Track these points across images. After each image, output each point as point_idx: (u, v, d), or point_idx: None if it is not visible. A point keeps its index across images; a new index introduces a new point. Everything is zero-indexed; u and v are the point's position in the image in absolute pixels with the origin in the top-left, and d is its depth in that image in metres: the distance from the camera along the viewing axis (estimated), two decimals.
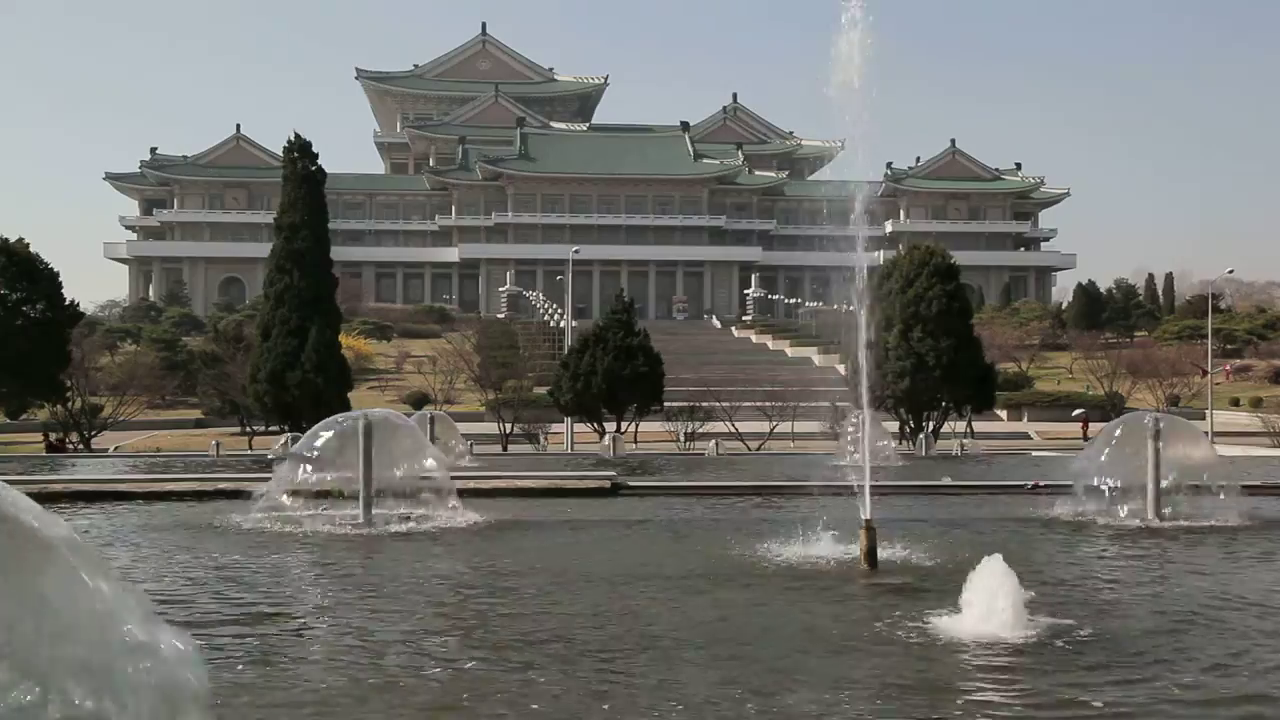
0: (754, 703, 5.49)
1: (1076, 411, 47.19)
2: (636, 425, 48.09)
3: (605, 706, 5.48)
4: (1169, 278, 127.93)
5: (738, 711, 5.37)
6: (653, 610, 7.96)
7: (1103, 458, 14.21)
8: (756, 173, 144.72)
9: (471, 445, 28.37)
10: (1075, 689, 5.78)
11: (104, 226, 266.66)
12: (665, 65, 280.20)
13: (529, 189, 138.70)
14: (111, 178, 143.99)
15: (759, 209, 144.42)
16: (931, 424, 44.85)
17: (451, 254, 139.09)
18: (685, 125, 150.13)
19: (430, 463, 14.37)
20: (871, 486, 10.03)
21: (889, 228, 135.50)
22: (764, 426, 52.89)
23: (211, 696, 5.48)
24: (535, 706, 5.49)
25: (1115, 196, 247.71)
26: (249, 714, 5.44)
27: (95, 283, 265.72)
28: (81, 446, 46.93)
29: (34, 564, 2.48)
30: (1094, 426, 58.47)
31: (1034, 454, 35.95)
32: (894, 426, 42.22)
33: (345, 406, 37.25)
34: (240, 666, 6.38)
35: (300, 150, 44.41)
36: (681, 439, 50.28)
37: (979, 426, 55.06)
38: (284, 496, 13.59)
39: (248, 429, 54.12)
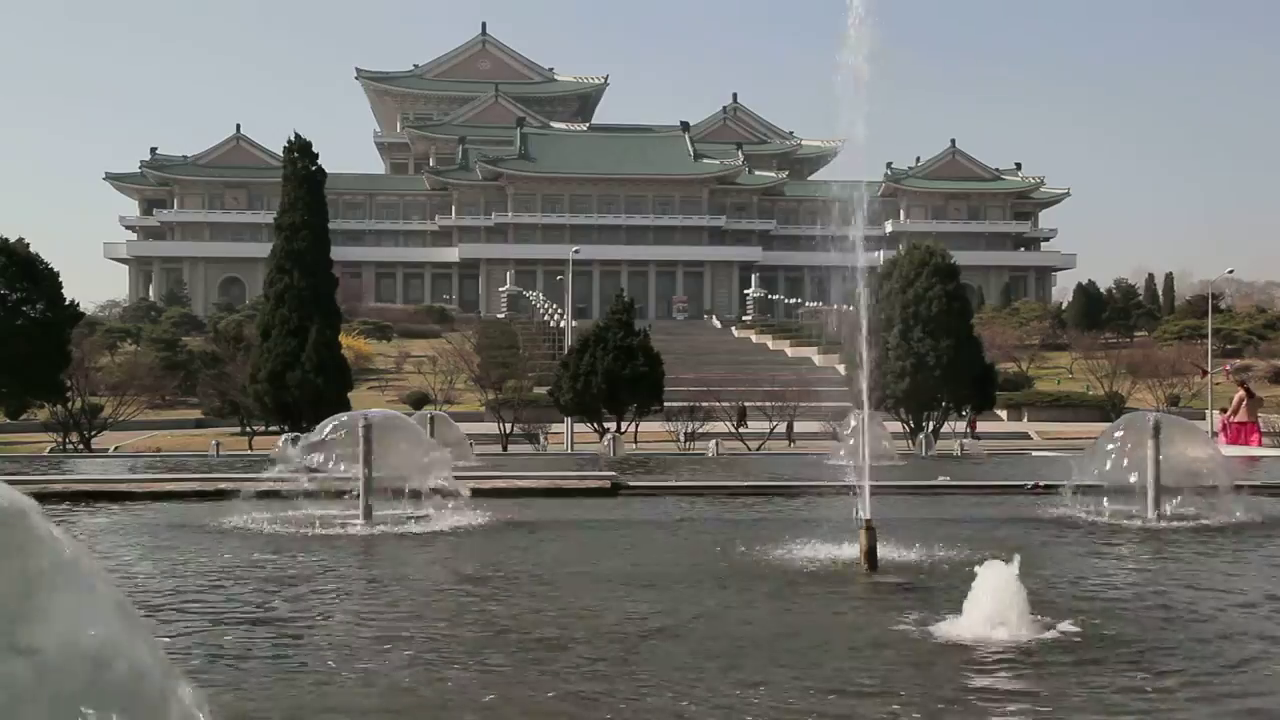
0: (751, 703, 5.49)
1: (965, 410, 47.38)
2: (636, 425, 48.10)
3: (602, 708, 5.47)
4: (1169, 278, 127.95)
5: (734, 712, 5.36)
6: (649, 610, 7.96)
7: (1103, 458, 14.19)
8: (756, 173, 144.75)
9: (471, 445, 28.35)
10: (1077, 690, 5.77)
11: (104, 226, 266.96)
12: (665, 65, 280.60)
13: (529, 189, 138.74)
14: (111, 178, 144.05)
15: (759, 209, 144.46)
16: (931, 424, 44.85)
17: (451, 254, 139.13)
18: (685, 125, 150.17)
19: (431, 464, 14.36)
20: (871, 486, 10.02)
21: (889, 228, 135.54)
22: (764, 426, 52.93)
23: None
24: (525, 708, 5.49)
25: (1115, 196, 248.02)
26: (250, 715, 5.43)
27: (95, 283, 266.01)
28: (82, 446, 46.94)
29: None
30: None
31: (1034, 454, 35.93)
32: (894, 426, 42.19)
33: (345, 406, 37.26)
34: (240, 668, 6.38)
35: (300, 150, 44.42)
36: (681, 439, 50.30)
37: (979, 426, 55.09)
38: (283, 496, 13.57)
39: (248, 429, 54.14)
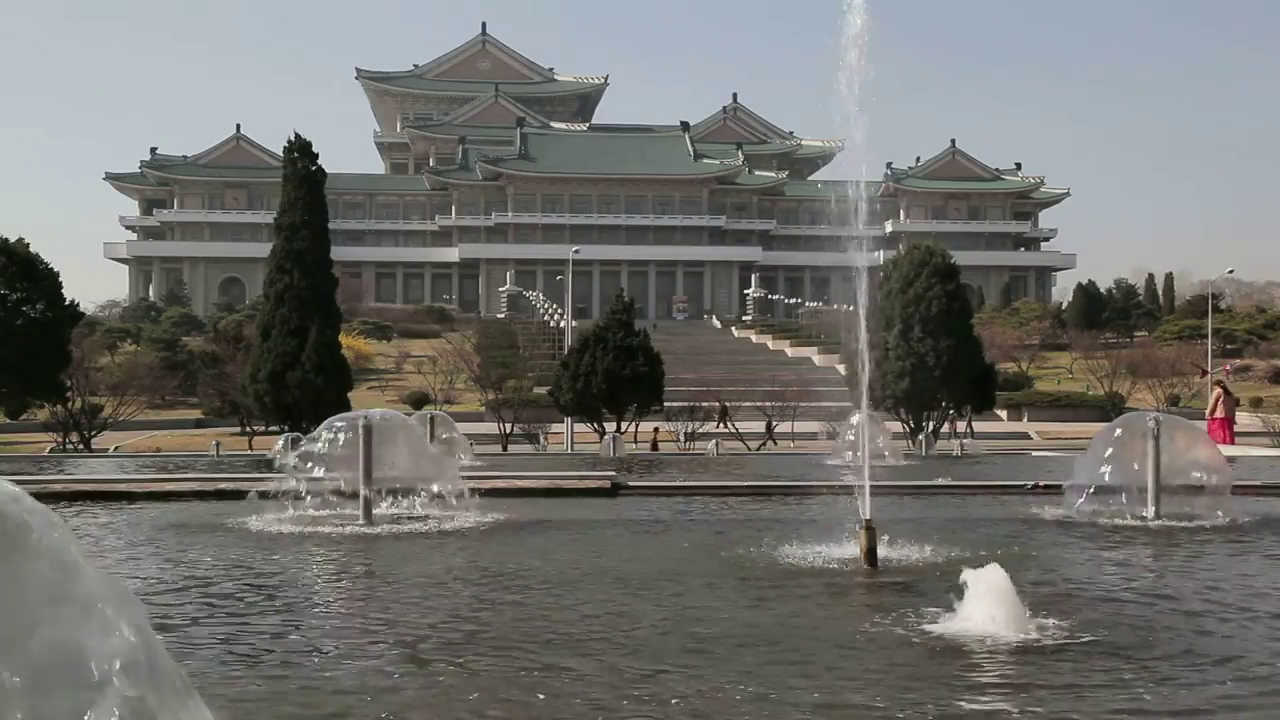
0: (749, 703, 5.49)
1: (952, 411, 47.53)
2: (636, 425, 48.10)
3: (593, 707, 5.47)
4: (1169, 278, 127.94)
5: (731, 711, 5.37)
6: (648, 609, 7.96)
7: (1102, 458, 14.20)
8: (756, 173, 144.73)
9: (471, 445, 28.36)
10: (1077, 690, 5.78)
11: (104, 226, 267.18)
12: (665, 65, 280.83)
13: (529, 189, 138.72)
14: (111, 178, 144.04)
15: (759, 209, 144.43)
16: (931, 424, 44.85)
17: (451, 254, 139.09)
18: (685, 125, 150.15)
19: (431, 464, 14.37)
20: (871, 486, 10.02)
21: (889, 228, 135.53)
22: (757, 426, 52.89)
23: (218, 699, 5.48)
24: (526, 709, 5.49)
25: (1115, 196, 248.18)
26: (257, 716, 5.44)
27: (95, 283, 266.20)
28: (81, 446, 46.94)
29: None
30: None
31: (1034, 454, 35.93)
32: (895, 426, 42.15)
33: (345, 407, 37.29)
34: (243, 669, 6.38)
35: (300, 150, 44.38)
36: (681, 439, 50.32)
37: (979, 426, 55.08)
38: (283, 497, 13.57)
39: (248, 429, 54.13)
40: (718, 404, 55.14)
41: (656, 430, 48.96)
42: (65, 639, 2.39)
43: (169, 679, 2.57)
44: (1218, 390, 33.97)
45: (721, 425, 52.85)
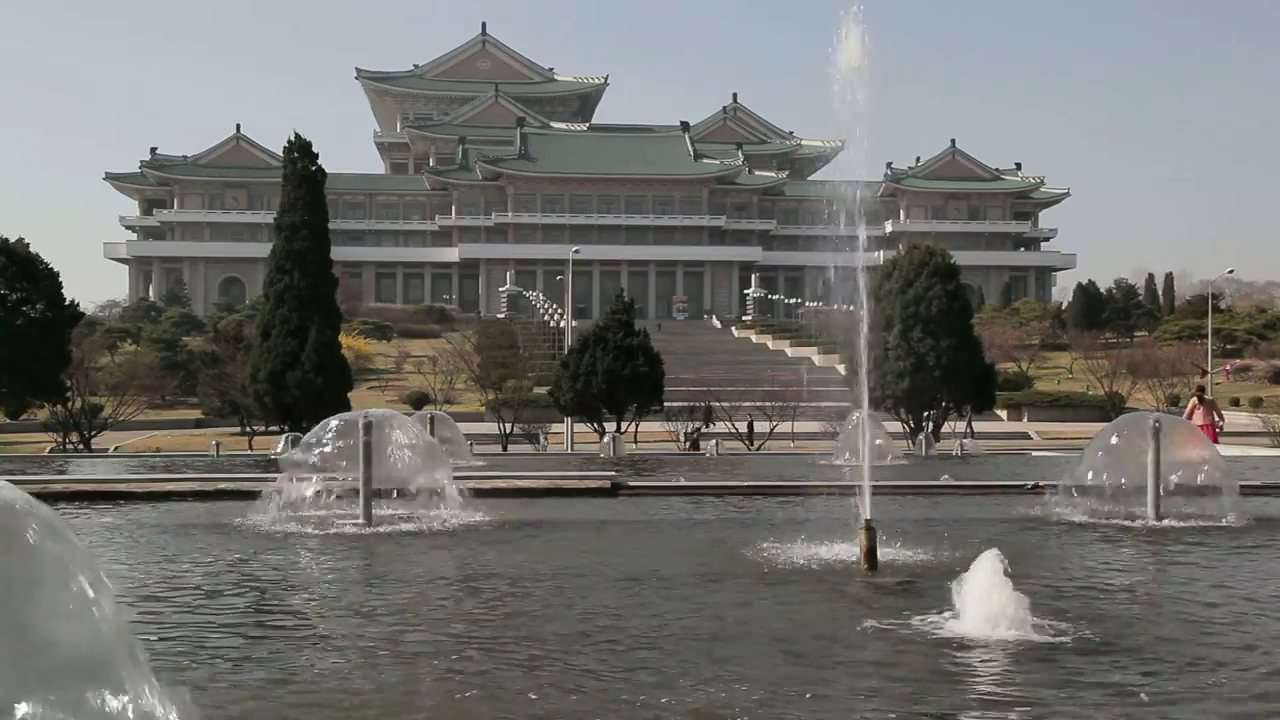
0: (749, 703, 5.48)
1: (928, 412, 47.52)
2: (636, 425, 48.10)
3: (588, 708, 5.47)
4: (1169, 278, 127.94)
5: (730, 711, 5.36)
6: (648, 610, 7.95)
7: (1103, 458, 14.18)
8: (756, 173, 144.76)
9: (471, 445, 28.34)
10: (1077, 689, 5.77)
11: (104, 226, 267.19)
12: (665, 65, 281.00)
13: (529, 189, 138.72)
14: (111, 178, 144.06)
15: (759, 209, 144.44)
16: (931, 424, 44.85)
17: (451, 254, 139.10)
18: (685, 125, 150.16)
19: (431, 464, 14.35)
20: (871, 486, 10.01)
21: (889, 228, 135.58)
22: (764, 426, 52.89)
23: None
24: (523, 708, 5.48)
25: (1115, 196, 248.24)
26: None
27: (95, 283, 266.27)
28: (81, 446, 46.94)
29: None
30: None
31: (1034, 454, 35.92)
32: (894, 426, 42.13)
33: (345, 406, 37.30)
34: (243, 672, 6.38)
35: (300, 150, 44.39)
36: (681, 439, 50.30)
37: (979, 426, 55.09)
38: (283, 497, 13.56)
39: (248, 429, 54.14)
40: (703, 405, 55.24)
41: (697, 430, 48.95)
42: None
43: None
44: (1193, 401, 34.01)
45: (706, 427, 52.89)
